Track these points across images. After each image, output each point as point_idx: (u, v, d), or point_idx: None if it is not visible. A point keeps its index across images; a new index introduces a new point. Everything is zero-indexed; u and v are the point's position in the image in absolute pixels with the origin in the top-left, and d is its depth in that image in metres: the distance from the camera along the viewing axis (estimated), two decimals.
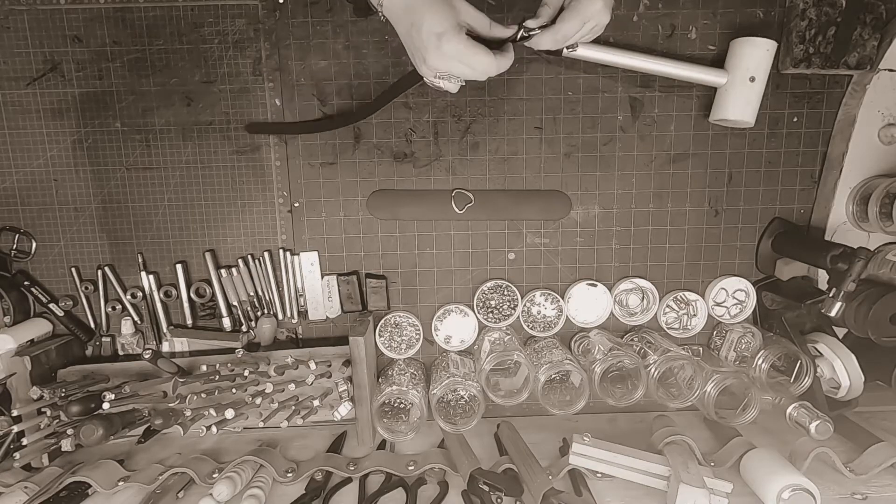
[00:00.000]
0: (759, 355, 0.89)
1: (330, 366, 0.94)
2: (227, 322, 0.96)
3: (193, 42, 0.89)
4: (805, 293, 0.91)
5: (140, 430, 0.89)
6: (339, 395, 0.93)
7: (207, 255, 0.95)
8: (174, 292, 0.96)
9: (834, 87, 0.92)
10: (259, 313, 0.97)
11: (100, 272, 0.95)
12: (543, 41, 0.65)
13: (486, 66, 0.61)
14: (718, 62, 0.88)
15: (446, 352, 0.98)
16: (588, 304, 0.97)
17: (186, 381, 0.86)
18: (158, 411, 0.82)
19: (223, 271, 0.95)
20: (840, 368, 0.88)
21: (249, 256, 0.96)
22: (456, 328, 0.98)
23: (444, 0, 0.60)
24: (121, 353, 0.98)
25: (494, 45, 0.64)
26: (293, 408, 0.89)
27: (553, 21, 0.64)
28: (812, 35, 0.86)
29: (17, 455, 0.79)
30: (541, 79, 0.91)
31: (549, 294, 0.96)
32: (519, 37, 0.64)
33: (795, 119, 0.93)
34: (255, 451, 0.86)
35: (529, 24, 0.63)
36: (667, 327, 0.98)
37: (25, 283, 0.94)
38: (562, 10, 0.64)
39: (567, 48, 0.70)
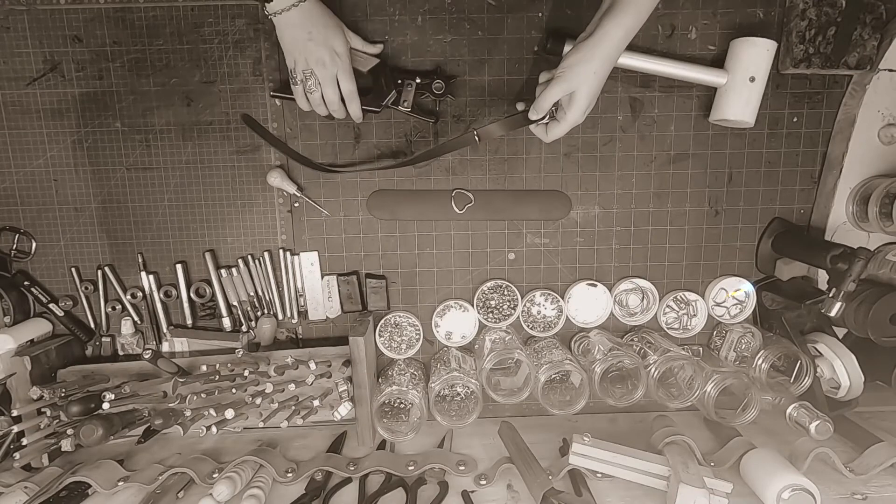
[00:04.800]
0: (759, 355, 0.89)
1: (330, 366, 0.94)
2: (227, 322, 0.96)
3: (193, 42, 0.89)
4: (805, 293, 0.91)
5: (140, 430, 0.89)
6: (339, 395, 0.93)
7: (207, 255, 0.95)
8: (174, 292, 0.96)
9: (834, 87, 0.92)
10: (259, 313, 0.97)
11: (100, 272, 0.95)
12: (537, 132, 0.78)
13: (349, 90, 0.81)
14: (718, 62, 0.88)
15: (447, 347, 0.98)
16: (588, 304, 0.97)
17: (186, 381, 0.86)
18: (158, 411, 0.82)
19: (223, 271, 0.95)
20: (840, 368, 0.88)
21: (249, 256, 0.96)
22: (456, 324, 0.98)
23: (338, 27, 0.80)
24: (121, 353, 0.98)
25: (504, 125, 0.77)
26: (293, 408, 0.89)
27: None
28: (812, 35, 0.86)
29: (17, 455, 0.79)
30: None
31: (549, 294, 0.96)
32: (519, 112, 0.78)
33: (795, 119, 0.93)
34: (255, 451, 0.86)
35: (532, 116, 0.75)
36: (667, 327, 0.98)
37: (25, 283, 0.94)
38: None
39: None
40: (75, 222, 0.94)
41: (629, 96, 0.92)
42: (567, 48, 0.85)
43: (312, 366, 0.91)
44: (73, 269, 0.95)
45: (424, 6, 0.88)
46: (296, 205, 0.95)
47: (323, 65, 0.78)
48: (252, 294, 0.96)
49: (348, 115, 0.84)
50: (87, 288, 0.95)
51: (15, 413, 0.84)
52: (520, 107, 0.78)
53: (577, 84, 0.68)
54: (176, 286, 0.96)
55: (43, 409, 0.84)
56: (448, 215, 0.94)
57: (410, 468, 0.83)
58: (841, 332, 0.95)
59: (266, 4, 0.74)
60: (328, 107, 0.82)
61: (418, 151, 0.88)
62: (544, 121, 0.75)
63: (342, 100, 0.82)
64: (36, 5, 0.87)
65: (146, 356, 0.81)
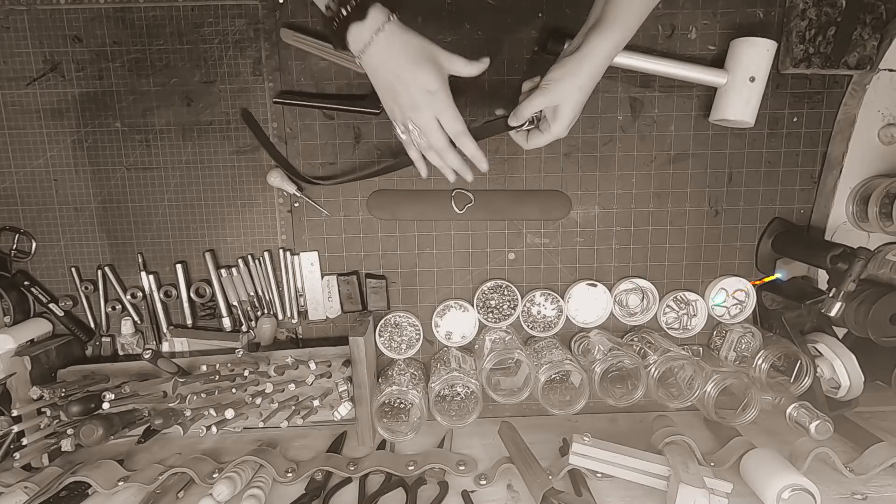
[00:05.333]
0: (759, 355, 0.89)
1: (330, 366, 0.94)
2: (227, 322, 0.96)
3: (193, 42, 0.89)
4: (805, 293, 0.91)
5: (140, 430, 0.89)
6: (339, 395, 0.93)
7: (207, 255, 0.95)
8: (174, 292, 0.96)
9: (834, 87, 0.92)
10: (259, 313, 0.97)
11: (100, 272, 0.95)
12: (517, 138, 0.76)
13: (458, 128, 0.66)
14: (718, 62, 0.88)
15: (447, 347, 0.98)
16: (588, 304, 0.97)
17: (186, 381, 0.86)
18: (158, 411, 0.82)
19: (223, 271, 0.95)
20: (840, 368, 0.88)
21: (249, 256, 0.96)
22: (456, 324, 0.98)
23: (430, 58, 0.62)
24: (121, 353, 0.98)
25: (482, 131, 0.74)
26: (293, 408, 0.89)
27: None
28: (812, 35, 0.86)
29: (17, 455, 0.79)
30: None
31: (549, 294, 0.96)
32: (499, 117, 0.74)
33: (795, 119, 0.93)
34: (255, 451, 0.86)
35: (511, 122, 0.72)
36: (667, 327, 0.98)
37: (25, 283, 0.94)
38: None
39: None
40: (75, 222, 0.94)
41: (629, 96, 0.92)
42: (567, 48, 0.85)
43: (312, 366, 0.91)
44: (73, 269, 0.95)
45: (424, 6, 0.88)
46: (296, 205, 0.95)
47: (418, 109, 0.64)
48: (252, 294, 0.96)
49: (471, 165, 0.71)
50: (87, 288, 0.95)
51: (15, 413, 0.84)
52: (498, 112, 0.75)
53: (560, 98, 0.67)
54: (176, 286, 0.96)
55: (43, 409, 0.84)
56: (448, 215, 0.94)
57: (410, 468, 0.83)
58: (841, 332, 0.95)
59: (348, 43, 0.61)
60: (440, 156, 0.69)
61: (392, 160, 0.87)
62: (524, 128, 0.74)
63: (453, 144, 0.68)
64: (36, 5, 0.87)
65: (146, 356, 0.81)
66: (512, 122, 0.72)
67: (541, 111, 0.71)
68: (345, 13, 0.58)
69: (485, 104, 0.91)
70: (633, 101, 0.92)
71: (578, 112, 0.70)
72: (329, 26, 0.60)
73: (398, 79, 0.62)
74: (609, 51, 0.65)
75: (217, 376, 0.89)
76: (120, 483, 0.82)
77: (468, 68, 0.65)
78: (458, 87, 0.89)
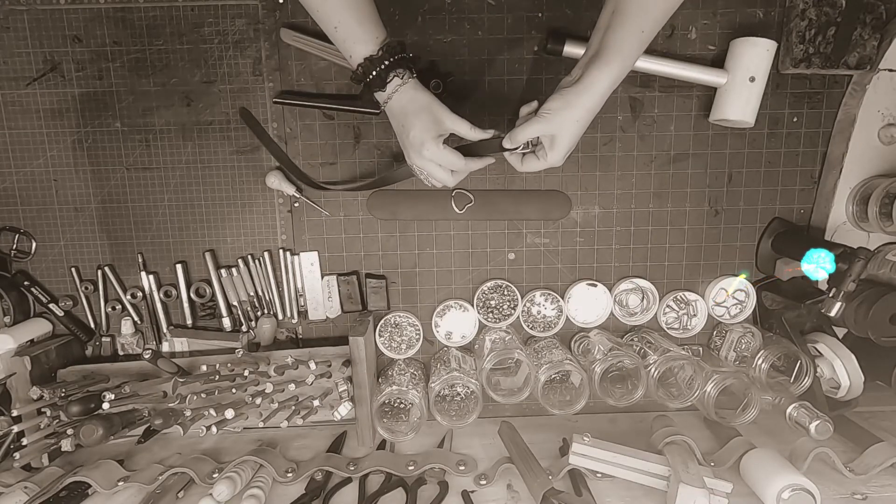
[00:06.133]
0: (759, 355, 0.89)
1: (330, 366, 0.94)
2: (227, 322, 0.96)
3: (193, 42, 0.89)
4: (805, 293, 0.91)
5: (140, 430, 0.89)
6: (339, 395, 0.93)
7: (207, 255, 0.95)
8: (174, 292, 0.96)
9: (834, 87, 0.92)
10: (259, 313, 0.97)
11: (100, 272, 0.95)
12: (511, 159, 0.76)
13: (457, 167, 0.73)
14: (718, 62, 0.88)
15: (447, 347, 0.98)
16: (588, 304, 0.97)
17: (186, 381, 0.86)
18: (158, 411, 0.82)
19: (223, 271, 0.95)
20: (840, 368, 0.88)
21: (249, 256, 0.96)
22: (456, 324, 0.98)
23: (431, 113, 0.70)
24: (121, 353, 0.98)
25: (476, 148, 0.75)
26: (293, 408, 0.89)
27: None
28: (812, 35, 0.86)
29: (17, 455, 0.79)
30: (541, 78, 0.91)
31: (549, 294, 0.96)
32: (494, 136, 0.74)
33: (795, 119, 0.93)
34: (255, 451, 0.86)
35: (506, 144, 0.73)
36: (667, 327, 0.98)
37: (25, 283, 0.94)
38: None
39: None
40: (75, 222, 0.94)
41: (629, 96, 0.92)
42: (567, 48, 0.85)
43: (312, 366, 0.91)
44: (73, 269, 0.95)
45: (424, 6, 0.88)
46: (296, 205, 0.95)
47: (414, 155, 0.72)
48: (252, 294, 0.96)
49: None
50: (87, 288, 0.95)
51: (15, 413, 0.84)
52: (490, 133, 0.74)
53: (557, 129, 0.68)
54: (176, 286, 0.96)
55: (43, 409, 0.84)
56: (448, 215, 0.94)
57: (410, 468, 0.83)
58: (841, 332, 0.95)
59: (374, 97, 0.72)
60: (452, 182, 0.76)
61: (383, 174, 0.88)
62: (518, 151, 0.73)
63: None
64: (36, 5, 0.87)
65: (146, 356, 0.81)
66: (506, 144, 0.73)
67: (537, 137, 0.71)
68: (369, 79, 0.70)
69: (485, 106, 0.91)
70: (633, 101, 0.92)
71: (575, 143, 0.70)
72: (357, 83, 0.72)
73: (402, 127, 0.72)
74: (608, 86, 0.65)
75: (217, 376, 0.89)
76: (120, 483, 0.82)
77: (471, 133, 0.72)
78: (460, 92, 0.90)
